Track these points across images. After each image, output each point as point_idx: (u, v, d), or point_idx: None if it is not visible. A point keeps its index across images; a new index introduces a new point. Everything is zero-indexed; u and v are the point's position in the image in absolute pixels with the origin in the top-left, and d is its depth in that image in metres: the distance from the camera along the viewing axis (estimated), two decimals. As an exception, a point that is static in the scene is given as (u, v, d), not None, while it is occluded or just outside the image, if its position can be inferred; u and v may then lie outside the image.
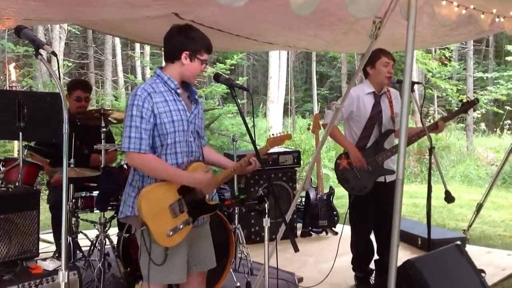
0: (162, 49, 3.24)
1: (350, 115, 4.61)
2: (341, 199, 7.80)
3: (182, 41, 3.06)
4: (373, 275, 4.87)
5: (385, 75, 4.52)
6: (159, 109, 2.99)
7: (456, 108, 4.87)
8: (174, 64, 3.09)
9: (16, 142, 6.31)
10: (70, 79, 11.47)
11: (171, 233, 2.99)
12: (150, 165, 2.99)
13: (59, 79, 2.38)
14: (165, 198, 3.01)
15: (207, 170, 3.19)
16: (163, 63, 3.19)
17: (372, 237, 4.82)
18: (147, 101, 2.96)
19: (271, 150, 6.65)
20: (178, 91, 3.10)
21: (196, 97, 3.24)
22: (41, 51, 2.38)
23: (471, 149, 14.72)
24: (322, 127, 4.82)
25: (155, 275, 3.03)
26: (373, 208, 4.61)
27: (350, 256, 4.93)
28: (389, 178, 4.58)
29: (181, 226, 3.03)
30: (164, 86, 3.06)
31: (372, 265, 4.88)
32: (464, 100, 4.80)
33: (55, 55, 2.38)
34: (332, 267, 4.78)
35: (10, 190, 3.97)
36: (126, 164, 4.60)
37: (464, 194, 9.96)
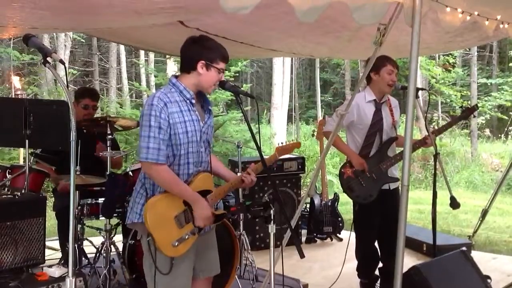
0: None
1: (351, 124, 4.62)
2: (346, 205, 7.79)
3: (198, 51, 3.05)
4: (379, 281, 4.87)
5: (387, 83, 4.52)
6: (174, 120, 2.99)
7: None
8: (190, 75, 3.08)
9: (22, 149, 6.34)
10: (75, 87, 11.54)
11: (176, 244, 3.00)
12: (165, 177, 2.99)
13: (67, 87, 2.40)
14: (171, 209, 3.02)
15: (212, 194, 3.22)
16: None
17: (376, 244, 4.82)
18: (163, 111, 2.95)
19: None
20: (193, 101, 3.09)
21: (210, 107, 3.25)
22: (49, 59, 2.40)
23: (476, 155, 14.70)
24: (325, 135, 4.83)
25: (159, 282, 3.04)
26: (378, 215, 4.60)
27: (355, 262, 4.92)
28: (393, 186, 4.59)
29: (186, 237, 3.04)
30: (179, 96, 3.05)
31: (377, 272, 4.88)
32: (464, 107, 4.81)
33: (63, 63, 2.40)
34: (340, 273, 4.77)
35: (17, 197, 3.99)
36: (132, 171, 4.63)
37: (469, 200, 9.95)
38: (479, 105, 14.51)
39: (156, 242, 2.94)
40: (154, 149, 2.93)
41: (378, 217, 4.61)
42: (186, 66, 3.09)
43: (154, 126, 2.93)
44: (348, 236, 4.82)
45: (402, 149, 4.36)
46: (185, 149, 3.06)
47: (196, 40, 3.10)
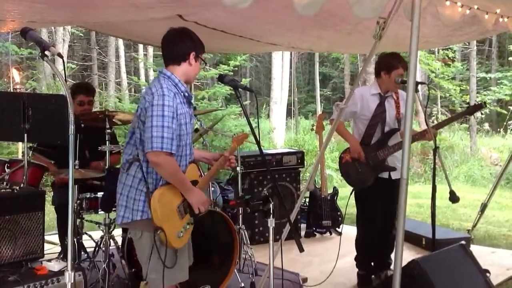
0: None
1: (354, 114, 4.73)
2: (345, 200, 7.79)
3: (188, 43, 3.16)
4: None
5: (395, 85, 4.61)
6: (180, 110, 3.04)
7: (460, 109, 4.89)
8: (180, 66, 3.15)
9: (20, 143, 6.32)
10: (73, 82, 11.50)
11: (181, 234, 3.07)
12: (172, 166, 3.01)
13: (65, 80, 2.39)
14: (173, 200, 3.08)
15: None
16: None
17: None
18: (174, 102, 2.99)
19: (274, 151, 6.77)
20: (187, 94, 3.16)
21: (192, 101, 3.31)
22: (47, 52, 2.39)
23: (475, 149, 14.70)
24: (330, 123, 4.93)
25: (166, 277, 3.06)
26: (379, 205, 4.68)
27: (353, 256, 4.97)
28: (394, 176, 4.65)
29: (187, 226, 3.13)
30: (175, 88, 3.09)
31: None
32: (471, 104, 4.81)
33: (61, 57, 2.39)
34: (334, 266, 4.79)
35: (15, 191, 3.97)
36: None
37: (468, 194, 9.93)
38: (478, 99, 14.55)
39: (167, 234, 2.97)
40: (168, 139, 2.94)
41: (379, 207, 4.70)
42: (177, 57, 3.15)
43: (167, 116, 2.94)
44: (345, 230, 4.82)
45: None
46: (185, 140, 3.12)
47: (183, 32, 3.19)
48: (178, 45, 3.16)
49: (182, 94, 3.12)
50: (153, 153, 2.94)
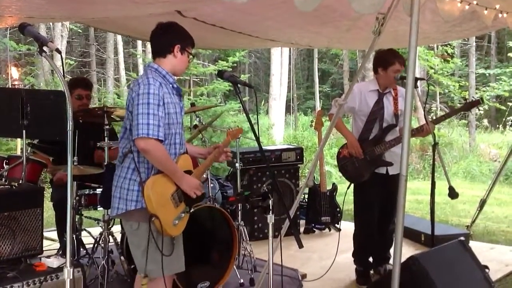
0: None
1: (352, 110, 4.75)
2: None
3: (173, 36, 3.22)
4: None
5: (392, 81, 4.64)
6: (167, 99, 3.09)
7: (459, 105, 4.90)
8: (166, 59, 3.21)
9: (19, 140, 6.31)
10: (72, 78, 11.48)
11: (176, 222, 3.09)
12: (162, 153, 3.04)
13: (63, 76, 2.38)
14: (167, 189, 3.10)
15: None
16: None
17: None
18: (160, 90, 3.04)
19: (273, 148, 6.77)
20: (175, 85, 3.22)
21: (181, 93, 3.35)
22: (45, 48, 2.38)
23: (474, 146, 14.70)
24: (328, 118, 4.95)
25: (165, 267, 3.07)
26: (377, 200, 4.72)
27: (352, 251, 4.97)
28: (391, 171, 4.67)
29: (182, 215, 3.15)
30: (162, 79, 3.15)
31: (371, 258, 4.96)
32: (468, 100, 4.83)
33: (60, 52, 2.38)
34: (333, 262, 4.80)
35: (14, 187, 3.97)
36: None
37: (467, 190, 9.95)
38: (477, 96, 14.54)
39: (162, 221, 2.99)
40: (155, 125, 2.98)
41: (377, 202, 4.73)
42: (162, 50, 3.22)
43: (153, 104, 2.99)
44: (344, 226, 4.83)
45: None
46: (175, 129, 3.16)
47: (169, 25, 3.25)
48: (163, 38, 3.23)
49: (170, 85, 3.18)
50: (140, 140, 2.98)
